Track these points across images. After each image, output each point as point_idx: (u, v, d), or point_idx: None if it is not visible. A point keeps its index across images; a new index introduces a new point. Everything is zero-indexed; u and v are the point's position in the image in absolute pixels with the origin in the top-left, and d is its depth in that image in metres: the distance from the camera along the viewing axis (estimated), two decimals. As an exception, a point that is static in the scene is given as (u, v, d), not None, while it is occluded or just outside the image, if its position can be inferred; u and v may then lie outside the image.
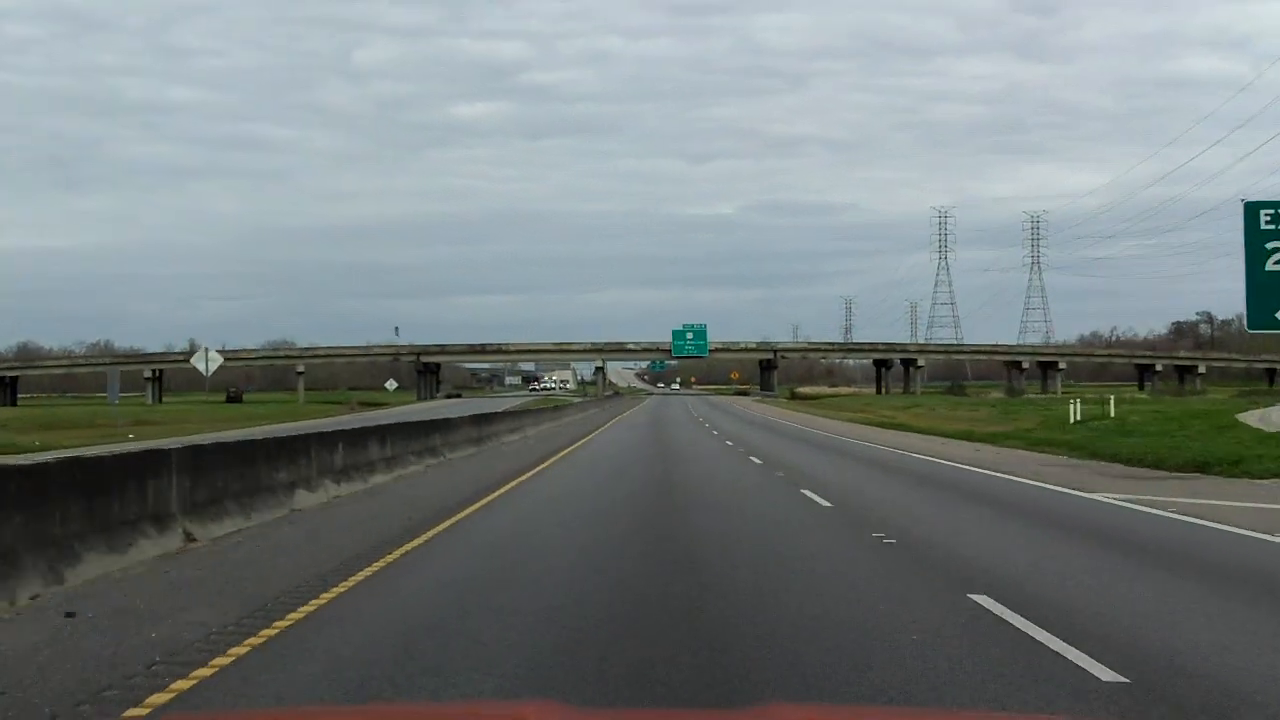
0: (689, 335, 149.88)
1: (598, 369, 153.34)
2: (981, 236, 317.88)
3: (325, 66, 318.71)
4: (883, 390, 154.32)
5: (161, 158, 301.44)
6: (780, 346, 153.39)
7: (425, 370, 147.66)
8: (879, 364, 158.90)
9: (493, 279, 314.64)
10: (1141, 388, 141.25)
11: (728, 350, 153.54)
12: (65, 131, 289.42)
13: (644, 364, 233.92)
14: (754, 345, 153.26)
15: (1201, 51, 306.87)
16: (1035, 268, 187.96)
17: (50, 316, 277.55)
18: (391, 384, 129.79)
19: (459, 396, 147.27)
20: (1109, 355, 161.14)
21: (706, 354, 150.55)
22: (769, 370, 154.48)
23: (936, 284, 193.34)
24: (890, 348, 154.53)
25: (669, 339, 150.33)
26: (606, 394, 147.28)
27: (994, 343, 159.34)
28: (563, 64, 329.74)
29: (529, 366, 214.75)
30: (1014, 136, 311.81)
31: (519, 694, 6.17)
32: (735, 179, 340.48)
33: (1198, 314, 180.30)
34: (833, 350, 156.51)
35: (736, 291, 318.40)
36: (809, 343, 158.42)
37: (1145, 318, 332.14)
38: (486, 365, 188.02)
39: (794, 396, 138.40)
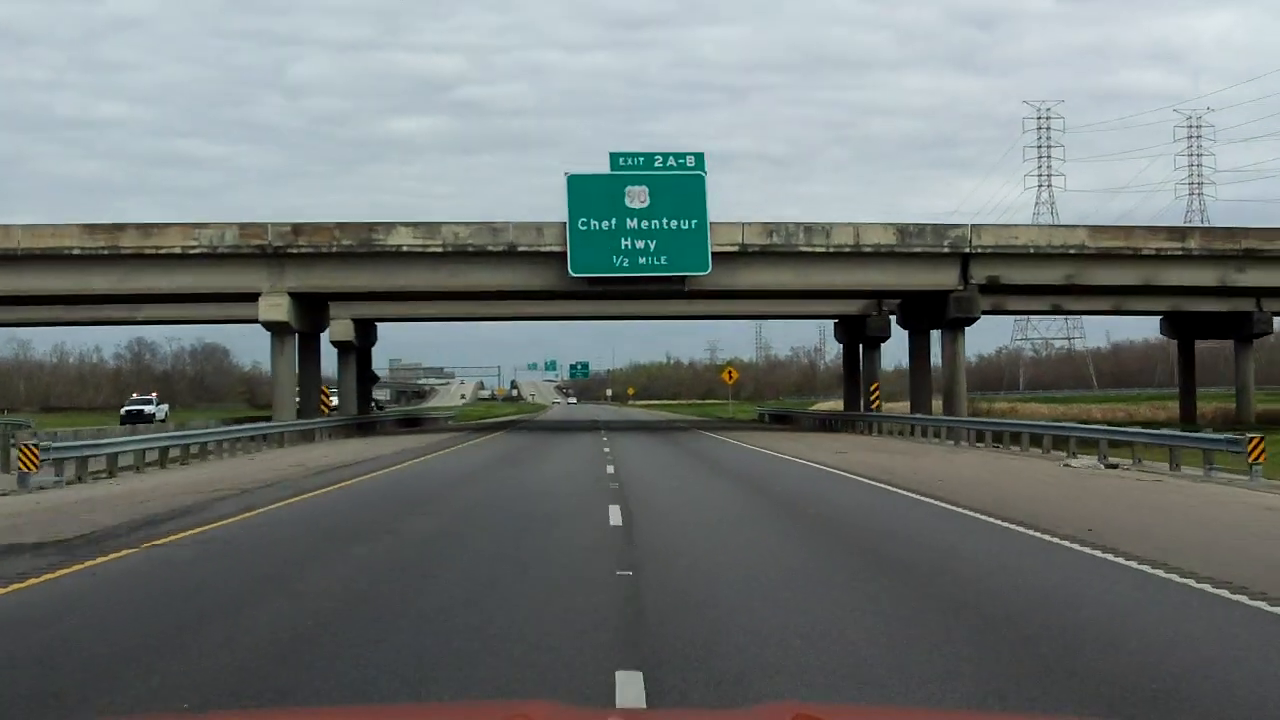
0: (632, 184, 39.78)
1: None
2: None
3: (259, 81, 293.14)
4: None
5: (89, 174, 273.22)
6: (986, 246, 43.02)
7: None
8: (1241, 317, 49.20)
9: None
10: None
11: (788, 252, 42.68)
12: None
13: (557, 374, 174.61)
14: (890, 235, 42.60)
15: (1140, 64, 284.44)
16: (1197, 193, 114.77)
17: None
18: None
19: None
20: None
21: (707, 268, 40.51)
22: (923, 329, 44.79)
23: (1039, 194, 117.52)
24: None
25: (563, 244, 40.86)
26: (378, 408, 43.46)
27: None
28: (499, 78, 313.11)
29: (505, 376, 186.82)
30: (947, 151, 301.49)
31: None
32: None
33: None
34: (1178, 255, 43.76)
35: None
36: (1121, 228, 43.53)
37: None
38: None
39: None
